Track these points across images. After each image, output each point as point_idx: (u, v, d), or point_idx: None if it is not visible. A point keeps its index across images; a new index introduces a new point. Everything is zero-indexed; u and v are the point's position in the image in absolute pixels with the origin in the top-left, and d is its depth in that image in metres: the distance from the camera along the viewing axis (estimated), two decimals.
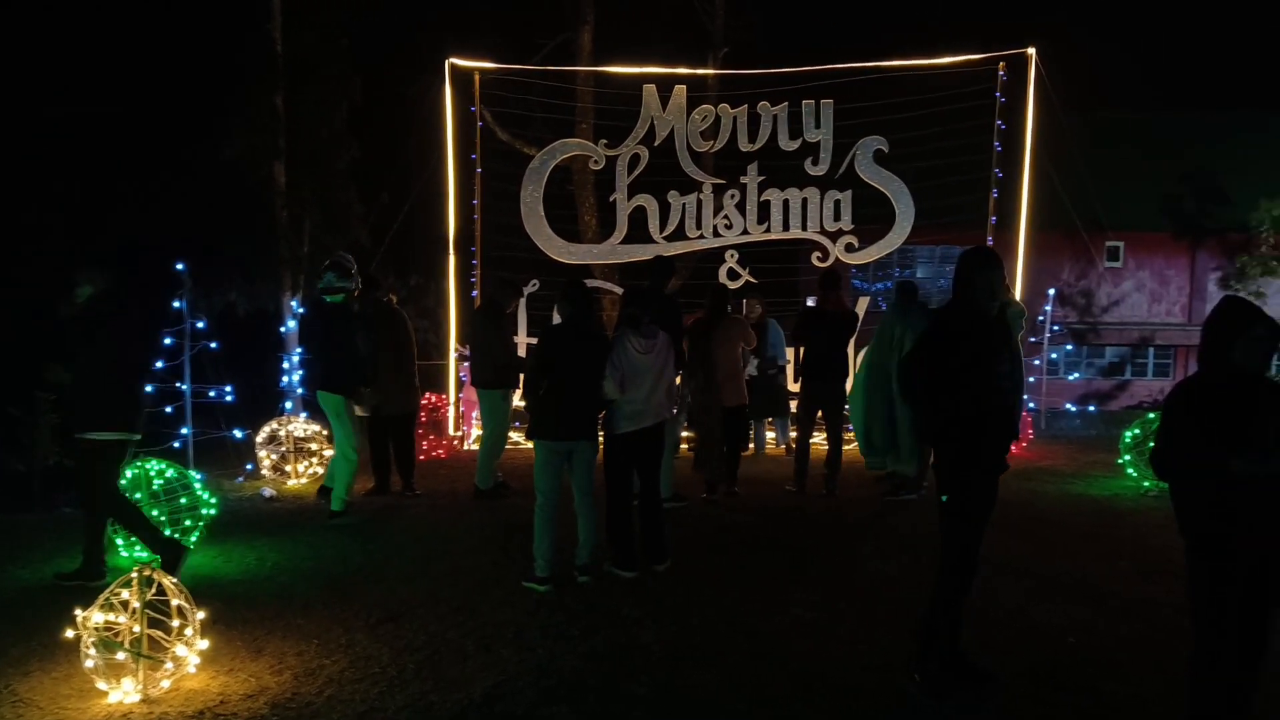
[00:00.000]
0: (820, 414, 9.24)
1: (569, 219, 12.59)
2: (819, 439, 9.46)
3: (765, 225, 11.95)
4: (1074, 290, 21.22)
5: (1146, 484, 9.55)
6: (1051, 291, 16.31)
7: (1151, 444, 9.54)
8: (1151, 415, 10.08)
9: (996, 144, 12.15)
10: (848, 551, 7.42)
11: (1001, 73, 12.07)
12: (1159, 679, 4.91)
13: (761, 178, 11.94)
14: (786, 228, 11.98)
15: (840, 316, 9.27)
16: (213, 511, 7.40)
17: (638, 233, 11.99)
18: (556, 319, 7.49)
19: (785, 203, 11.95)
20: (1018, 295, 12.71)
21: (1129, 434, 9.93)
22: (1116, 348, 22.00)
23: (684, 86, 11.93)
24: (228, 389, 9.60)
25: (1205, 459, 3.80)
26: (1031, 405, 13.85)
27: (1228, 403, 3.82)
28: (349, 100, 15.16)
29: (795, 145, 11.83)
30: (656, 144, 11.82)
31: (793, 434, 10.24)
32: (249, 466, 9.88)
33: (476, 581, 6.59)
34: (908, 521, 8.32)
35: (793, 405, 10.63)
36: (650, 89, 11.82)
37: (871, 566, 7.02)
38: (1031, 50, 11.99)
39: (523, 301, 11.30)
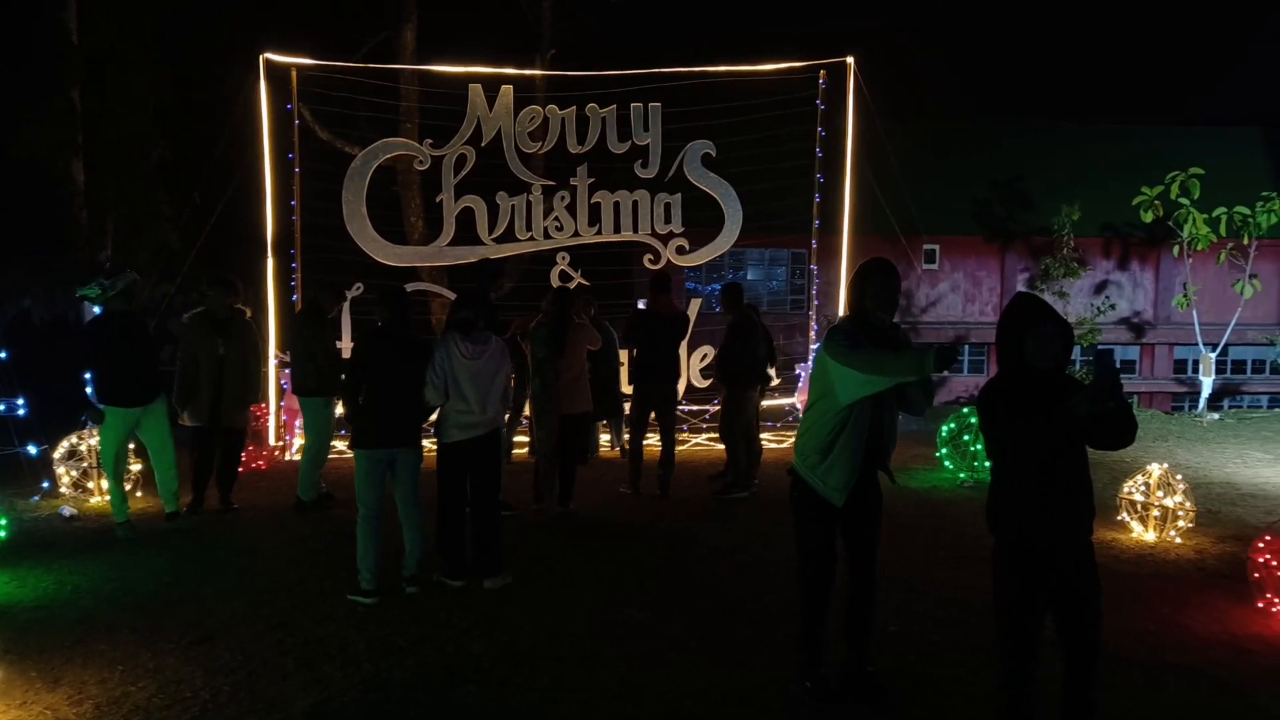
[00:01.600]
0: (653, 415, 9.29)
1: (394, 220, 12.26)
2: (652, 440, 9.50)
3: (596, 227, 11.92)
4: None
5: (963, 475, 9.97)
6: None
7: (966, 437, 10.04)
8: (966, 409, 10.53)
9: (818, 150, 12.49)
10: (680, 552, 7.47)
11: (822, 81, 12.42)
12: (975, 661, 5.08)
13: (591, 179, 11.91)
14: (618, 230, 11.98)
15: (672, 318, 9.32)
16: (1, 533, 6.85)
17: (466, 234, 11.77)
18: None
19: (616, 205, 11.95)
20: (841, 298, 13.13)
21: (945, 428, 10.36)
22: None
23: (511, 87, 11.78)
24: (19, 402, 8.92)
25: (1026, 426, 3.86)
26: None
27: (1026, 397, 3.87)
28: (156, 95, 14.34)
29: (625, 148, 11.84)
30: (484, 144, 11.61)
31: (626, 435, 10.23)
32: (46, 484, 9.19)
33: (298, 597, 6.32)
34: (740, 519, 8.44)
35: (626, 407, 10.62)
36: (476, 88, 11.62)
37: (704, 566, 7.08)
38: (850, 59, 12.38)
39: (347, 306, 11.03)
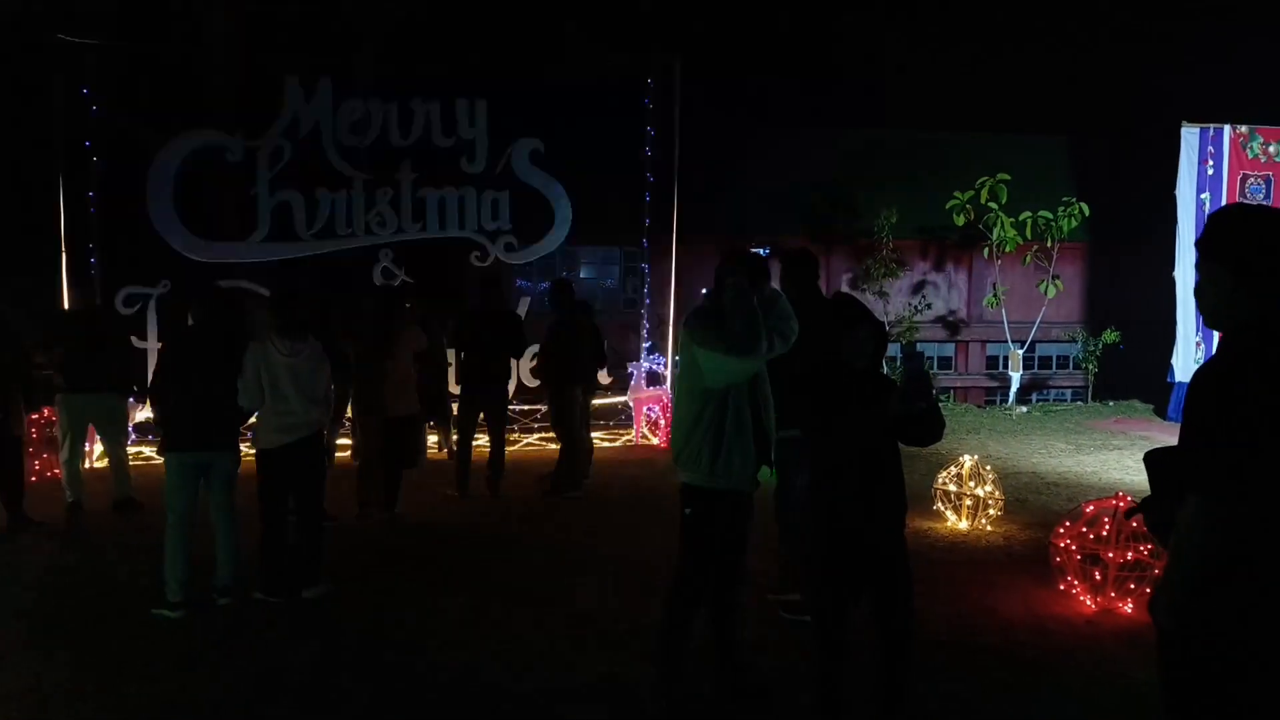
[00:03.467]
0: (483, 416, 9.10)
1: (205, 215, 11.61)
2: (482, 441, 9.33)
3: (421, 224, 11.60)
4: None
5: None
6: (704, 292, 17.12)
7: None
8: None
9: (648, 150, 12.53)
10: (510, 553, 7.37)
11: (649, 80, 12.46)
12: (795, 649, 5.12)
13: (416, 175, 11.59)
14: (443, 227, 11.71)
15: (501, 317, 9.19)
16: None
17: (282, 230, 11.28)
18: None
19: (441, 201, 11.67)
20: (671, 299, 13.20)
21: None
22: None
23: (330, 78, 11.35)
24: None
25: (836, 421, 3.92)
26: None
27: (842, 394, 3.97)
28: None
29: (450, 143, 11.58)
30: (301, 137, 11.16)
31: (454, 437, 10.02)
32: None
33: (98, 613, 5.92)
34: (572, 519, 8.37)
35: (454, 407, 10.40)
36: (293, 79, 11.15)
37: (534, 567, 7.00)
38: (677, 61, 12.46)
39: (152, 304, 10.43)
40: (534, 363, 11.61)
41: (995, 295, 18.06)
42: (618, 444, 12.20)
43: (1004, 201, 17.41)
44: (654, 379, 12.67)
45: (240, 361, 6.06)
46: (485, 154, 11.66)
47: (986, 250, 17.65)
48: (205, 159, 11.27)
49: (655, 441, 12.22)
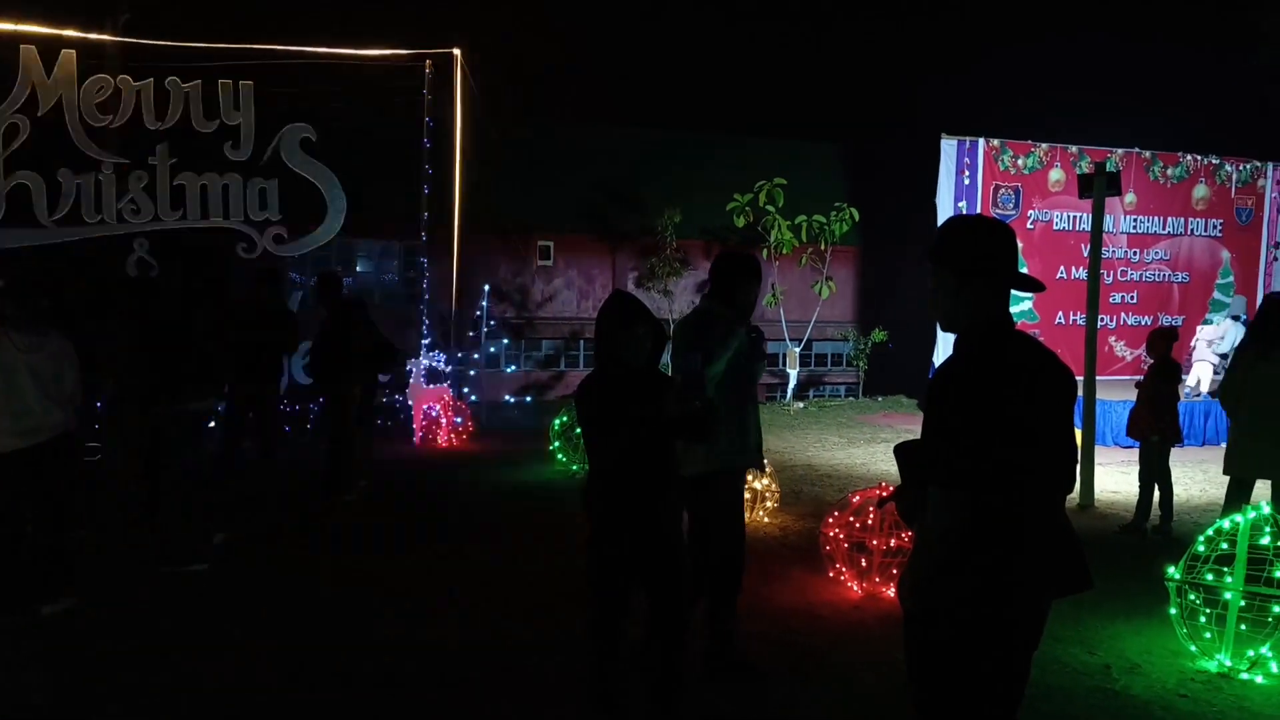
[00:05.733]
0: (252, 416, 8.62)
1: None
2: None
3: (180, 212, 10.83)
4: (511, 287, 22.21)
5: (575, 467, 10.11)
6: (486, 287, 16.92)
7: (579, 430, 10.17)
8: None
9: (426, 140, 12.20)
10: (275, 564, 6.95)
11: (428, 70, 12.13)
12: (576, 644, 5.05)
13: (174, 159, 10.81)
14: (205, 215, 10.97)
15: (273, 311, 8.76)
16: None
17: (20, 215, 10.29)
18: None
19: (203, 188, 10.93)
20: (454, 295, 12.93)
21: (558, 421, 10.48)
22: (551, 341, 23.37)
23: (74, 52, 10.44)
24: None
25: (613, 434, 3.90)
26: (473, 398, 14.19)
27: (619, 393, 3.95)
28: None
29: (213, 127, 10.86)
30: (40, 114, 10.20)
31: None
32: None
33: None
34: (343, 524, 8.03)
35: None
36: (30, 50, 10.18)
37: (298, 578, 6.62)
38: (456, 51, 12.20)
39: None
40: (305, 359, 11.12)
41: (774, 295, 18.66)
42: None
43: (781, 205, 18.00)
44: (434, 376, 12.33)
45: None
46: (252, 139, 11.00)
47: (765, 251, 18.21)
48: None
49: (440, 443, 11.90)
